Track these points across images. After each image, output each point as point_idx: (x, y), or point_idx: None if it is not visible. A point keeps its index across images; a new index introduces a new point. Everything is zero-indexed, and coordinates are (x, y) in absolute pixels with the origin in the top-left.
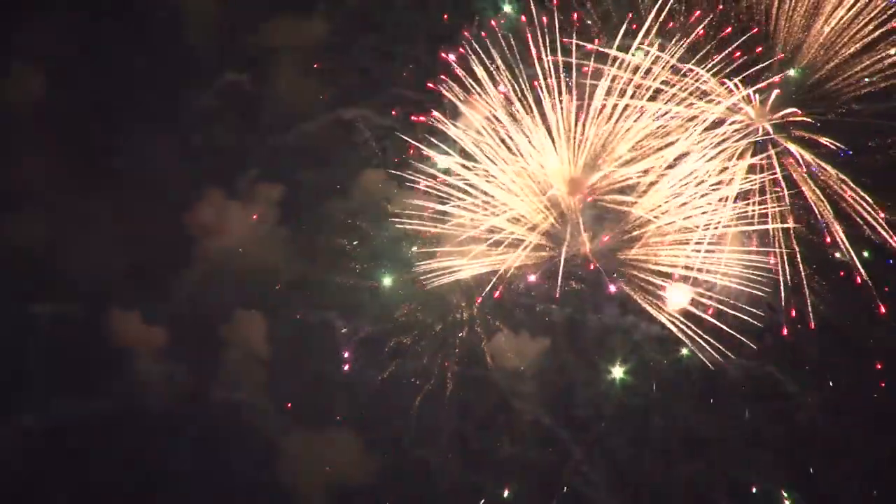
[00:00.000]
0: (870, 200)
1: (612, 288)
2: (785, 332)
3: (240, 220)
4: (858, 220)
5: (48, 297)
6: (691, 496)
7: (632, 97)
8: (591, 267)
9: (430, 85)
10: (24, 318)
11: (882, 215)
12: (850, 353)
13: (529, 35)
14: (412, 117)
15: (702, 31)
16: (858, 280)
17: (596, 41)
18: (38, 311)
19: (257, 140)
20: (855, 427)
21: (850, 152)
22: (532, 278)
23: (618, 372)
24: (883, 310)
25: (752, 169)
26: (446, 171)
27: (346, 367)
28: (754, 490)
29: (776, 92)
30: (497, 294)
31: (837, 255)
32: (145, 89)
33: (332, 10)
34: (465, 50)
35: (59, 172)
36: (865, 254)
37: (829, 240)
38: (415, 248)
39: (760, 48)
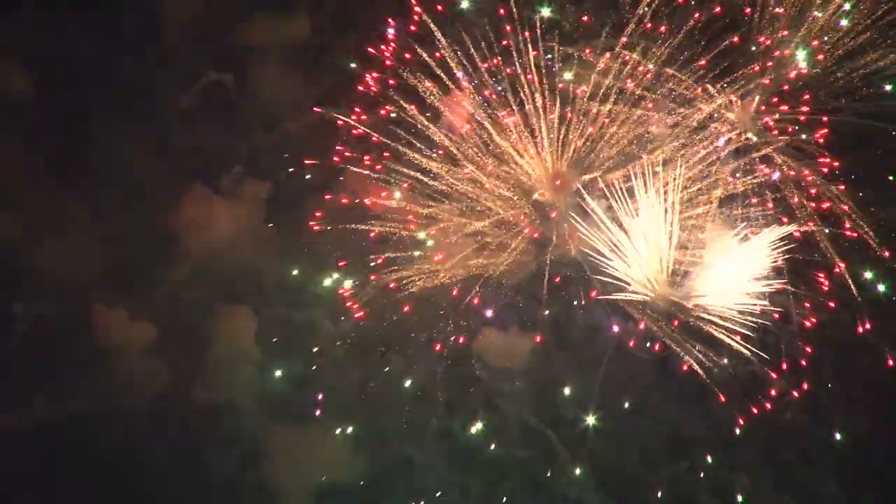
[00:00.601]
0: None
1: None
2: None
3: (224, 218)
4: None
5: (30, 296)
6: (676, 495)
7: (615, 102)
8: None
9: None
10: (6, 318)
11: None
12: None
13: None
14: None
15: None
16: (860, 330)
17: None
18: (20, 311)
19: (241, 139)
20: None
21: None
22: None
23: (591, 419)
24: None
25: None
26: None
27: (318, 412)
28: (738, 489)
29: (756, 98)
30: (476, 300)
31: (869, 275)
32: (129, 89)
33: (313, 10)
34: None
35: (40, 172)
36: (882, 287)
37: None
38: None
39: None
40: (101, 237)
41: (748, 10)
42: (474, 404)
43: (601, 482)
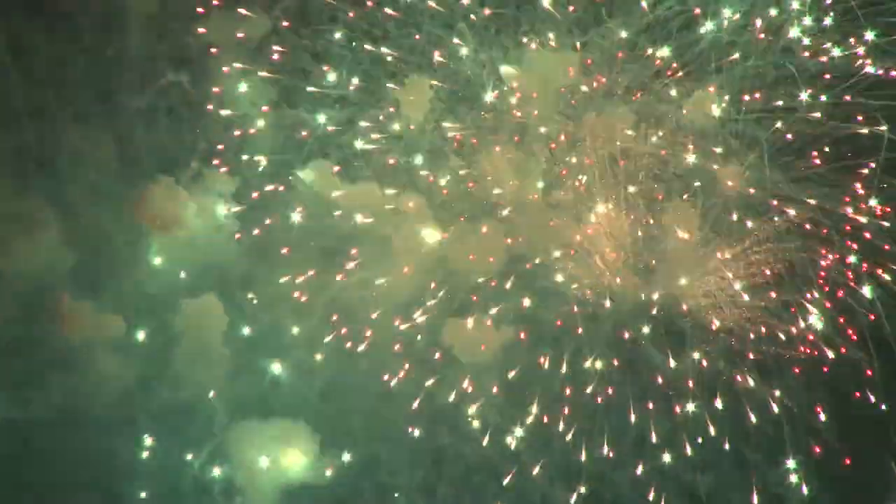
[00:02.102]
0: None
1: None
2: None
3: (189, 216)
4: None
5: None
6: (644, 496)
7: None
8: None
9: None
10: None
11: None
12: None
13: None
14: None
15: None
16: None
17: None
18: None
19: (202, 136)
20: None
21: None
22: None
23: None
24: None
25: None
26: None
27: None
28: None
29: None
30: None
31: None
32: (84, 90)
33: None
34: None
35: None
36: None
37: None
38: None
39: None
40: (65, 235)
41: None
42: (441, 401)
43: (567, 481)
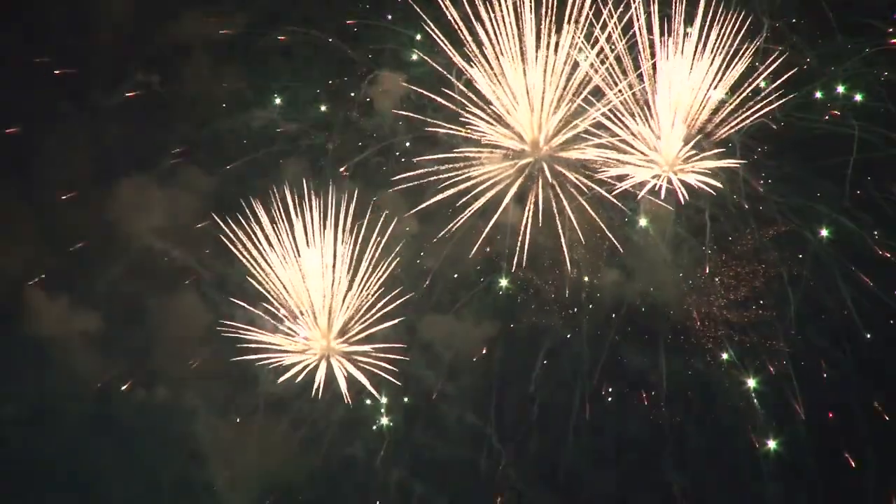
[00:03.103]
0: None
1: None
2: None
3: (164, 213)
4: None
5: None
6: (620, 497)
7: None
8: None
9: None
10: None
11: None
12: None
13: None
14: None
15: None
16: None
17: None
18: None
19: (175, 133)
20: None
21: None
22: None
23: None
24: None
25: None
26: None
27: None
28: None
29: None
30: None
31: None
32: (57, 89)
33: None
34: None
35: None
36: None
37: None
38: None
39: None
40: (41, 233)
41: None
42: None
43: (545, 482)
